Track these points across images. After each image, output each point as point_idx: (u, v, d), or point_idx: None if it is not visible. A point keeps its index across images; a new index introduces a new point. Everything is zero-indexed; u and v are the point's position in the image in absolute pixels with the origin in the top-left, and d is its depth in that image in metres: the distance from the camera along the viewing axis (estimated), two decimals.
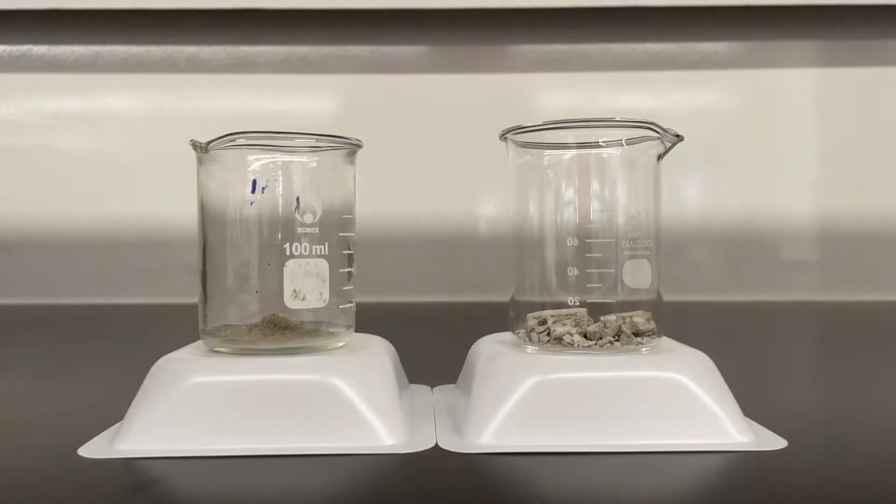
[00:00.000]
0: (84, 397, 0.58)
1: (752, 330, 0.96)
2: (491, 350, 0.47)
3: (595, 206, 0.46)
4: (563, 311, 0.46)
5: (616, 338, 0.45)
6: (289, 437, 0.41)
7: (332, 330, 0.47)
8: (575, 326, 0.45)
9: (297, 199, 0.45)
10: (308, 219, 0.45)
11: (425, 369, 0.57)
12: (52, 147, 1.18)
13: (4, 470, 0.40)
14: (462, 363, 0.51)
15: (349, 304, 0.47)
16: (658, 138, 0.45)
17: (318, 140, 0.46)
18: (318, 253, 0.45)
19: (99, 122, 1.20)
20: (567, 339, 0.44)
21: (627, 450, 0.40)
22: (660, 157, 0.47)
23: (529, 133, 0.47)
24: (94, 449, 0.41)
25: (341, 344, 0.47)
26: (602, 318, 0.45)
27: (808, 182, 1.23)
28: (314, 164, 0.46)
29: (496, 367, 0.44)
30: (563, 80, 1.23)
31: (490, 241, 1.21)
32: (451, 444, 0.42)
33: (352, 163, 0.49)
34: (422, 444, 0.42)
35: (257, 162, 0.45)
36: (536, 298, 0.47)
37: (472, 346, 0.51)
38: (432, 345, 0.81)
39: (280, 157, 0.45)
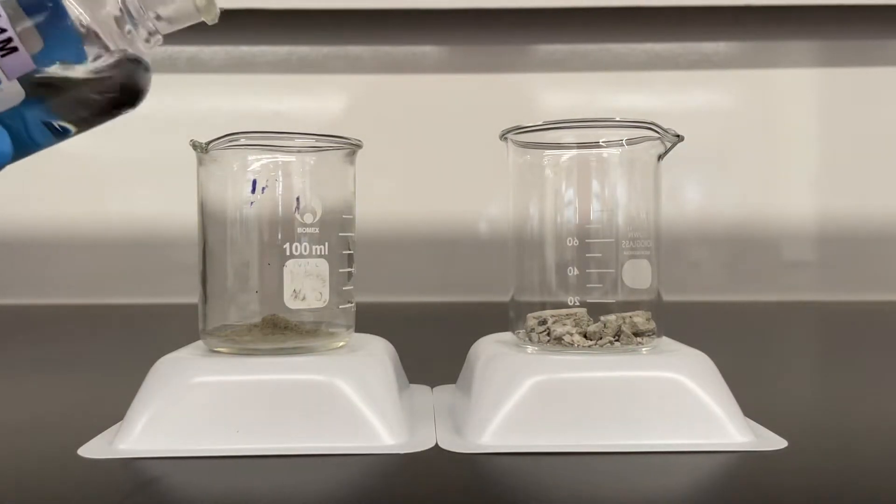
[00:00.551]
0: (84, 397, 0.58)
1: (752, 330, 0.96)
2: (491, 350, 0.47)
3: (595, 206, 0.46)
4: (563, 311, 0.46)
5: (616, 338, 0.45)
6: (289, 437, 0.41)
7: (332, 330, 0.47)
8: (575, 326, 0.45)
9: (297, 199, 0.45)
10: (308, 219, 0.45)
11: (425, 369, 0.57)
12: (52, 147, 1.18)
13: (4, 470, 0.40)
14: (462, 363, 0.51)
15: (349, 304, 0.47)
16: (658, 138, 0.45)
17: (318, 140, 0.46)
18: (318, 253, 0.45)
19: None
20: (567, 339, 0.44)
21: (627, 450, 0.40)
22: (660, 157, 0.47)
23: (529, 133, 0.47)
24: (94, 449, 0.41)
25: (341, 344, 0.47)
26: (602, 318, 0.45)
27: (808, 182, 1.23)
28: (314, 164, 0.46)
29: (496, 367, 0.44)
30: (564, 80, 1.23)
31: (490, 241, 1.21)
32: (451, 444, 0.42)
33: (352, 163, 0.49)
34: (422, 444, 0.42)
35: (257, 162, 0.45)
36: (536, 298, 0.47)
37: (472, 346, 0.51)
38: (432, 345, 0.81)
39: (280, 157, 0.45)
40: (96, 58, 0.35)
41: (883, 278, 1.21)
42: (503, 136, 0.48)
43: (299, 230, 0.45)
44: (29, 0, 0.33)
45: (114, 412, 0.45)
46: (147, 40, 0.38)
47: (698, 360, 0.45)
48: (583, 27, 1.21)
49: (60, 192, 1.21)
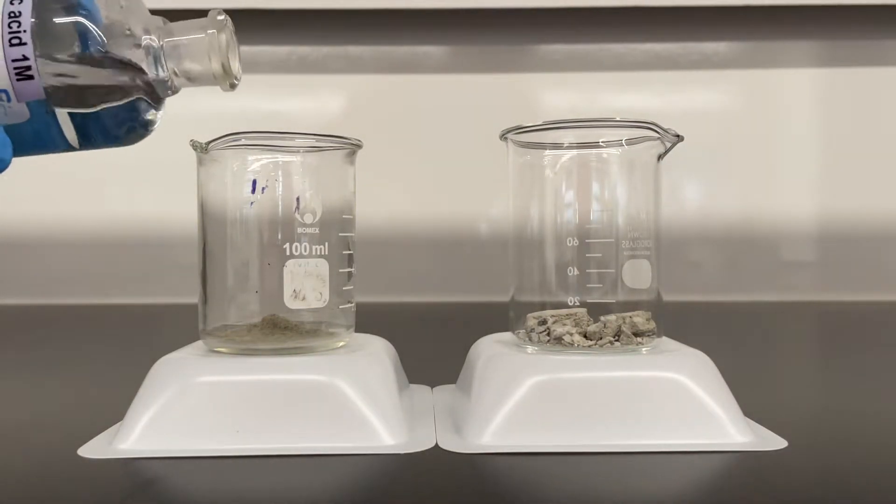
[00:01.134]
0: (84, 397, 0.58)
1: (752, 330, 0.96)
2: (491, 350, 0.47)
3: (595, 206, 0.46)
4: (563, 311, 0.46)
5: (616, 338, 0.45)
6: (289, 437, 0.41)
7: (332, 330, 0.47)
8: (575, 326, 0.45)
9: (297, 199, 0.45)
10: (308, 219, 0.45)
11: (425, 369, 0.57)
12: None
13: (4, 470, 0.40)
14: (462, 363, 0.51)
15: (349, 304, 0.47)
16: (658, 138, 0.45)
17: (318, 140, 0.46)
18: (318, 253, 0.45)
19: None
20: (567, 339, 0.44)
21: (627, 450, 0.40)
22: (660, 157, 0.47)
23: (529, 133, 0.47)
24: (94, 449, 0.41)
25: (341, 344, 0.47)
26: (602, 318, 0.45)
27: (808, 182, 1.22)
28: (314, 164, 0.46)
29: (496, 367, 0.44)
30: (564, 80, 1.23)
31: (490, 241, 1.21)
32: (451, 444, 0.42)
33: (352, 163, 0.49)
34: (422, 444, 0.42)
35: (257, 162, 0.45)
36: (536, 298, 0.47)
37: (472, 346, 0.51)
38: (432, 345, 0.81)
39: (280, 158, 0.45)
40: (109, 94, 0.37)
41: (883, 278, 1.21)
42: (503, 136, 0.48)
43: (299, 230, 0.45)
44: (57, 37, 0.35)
45: (114, 412, 0.45)
46: (164, 87, 0.39)
47: (698, 360, 0.45)
48: (583, 27, 1.21)
49: (60, 191, 1.21)
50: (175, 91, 0.40)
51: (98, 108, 0.37)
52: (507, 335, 0.50)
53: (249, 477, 0.37)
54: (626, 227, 0.46)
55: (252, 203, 0.45)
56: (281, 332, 0.45)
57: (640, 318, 0.45)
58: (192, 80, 0.39)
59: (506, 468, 0.39)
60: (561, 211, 0.46)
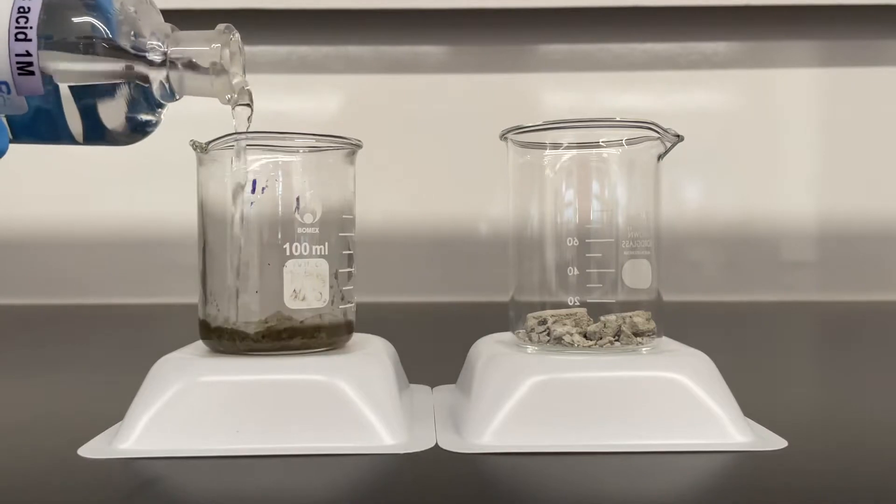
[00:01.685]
0: (84, 397, 0.58)
1: (752, 330, 0.96)
2: (491, 350, 0.47)
3: (595, 206, 0.46)
4: (563, 311, 0.46)
5: (616, 338, 0.45)
6: (289, 437, 0.41)
7: (332, 330, 0.47)
8: (575, 326, 0.45)
9: (297, 199, 0.45)
10: (308, 219, 0.45)
11: (425, 369, 0.57)
12: (52, 147, 1.18)
13: (4, 470, 0.40)
14: (462, 363, 0.51)
15: (349, 304, 0.47)
16: (658, 138, 0.45)
17: (318, 140, 0.46)
18: (318, 253, 0.45)
19: None
20: (567, 339, 0.44)
21: (627, 450, 0.40)
22: (660, 157, 0.47)
23: (529, 133, 0.47)
24: (94, 449, 0.41)
25: (341, 344, 0.47)
26: (602, 318, 0.45)
27: (808, 182, 1.22)
28: (314, 164, 0.46)
29: (496, 367, 0.44)
30: (564, 80, 1.23)
31: (490, 241, 1.21)
32: (451, 444, 0.42)
33: (352, 163, 0.49)
34: (422, 444, 0.42)
35: (257, 162, 0.45)
36: (536, 298, 0.47)
37: (472, 346, 0.51)
38: (432, 345, 0.81)
39: (280, 157, 0.45)
40: (111, 95, 0.37)
41: (883, 278, 1.21)
42: (503, 136, 0.48)
43: (299, 230, 0.45)
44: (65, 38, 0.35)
45: (114, 412, 0.45)
46: (165, 93, 0.40)
47: (698, 360, 0.45)
48: (583, 27, 1.21)
49: (60, 191, 1.21)
50: (175, 98, 0.40)
51: (98, 108, 0.37)
52: (507, 335, 0.50)
53: (249, 477, 0.37)
54: (626, 226, 0.46)
55: (252, 203, 0.45)
56: (281, 332, 0.45)
57: (640, 318, 0.45)
58: (192, 90, 0.40)
59: (506, 468, 0.39)
60: (561, 211, 0.46)
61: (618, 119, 0.46)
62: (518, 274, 0.49)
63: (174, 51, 0.39)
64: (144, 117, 0.40)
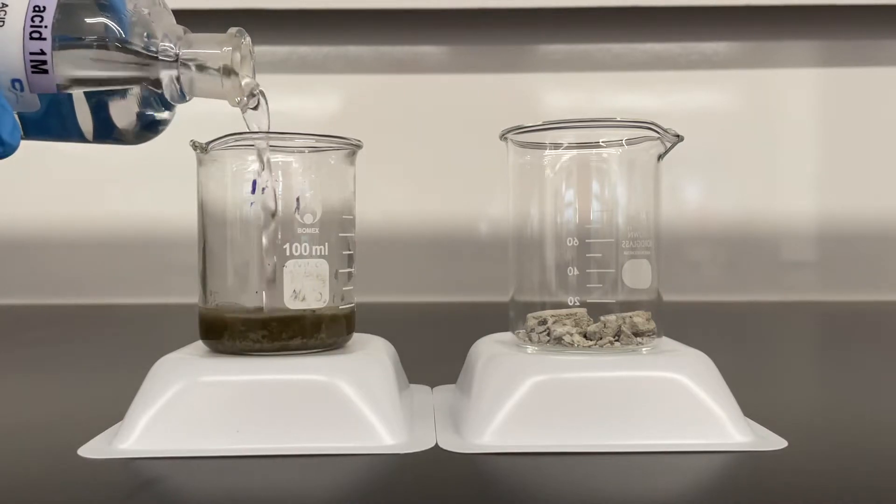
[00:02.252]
0: (84, 397, 0.58)
1: (752, 330, 0.96)
2: (491, 350, 0.47)
3: (595, 206, 0.46)
4: (563, 311, 0.46)
5: (616, 338, 0.45)
6: (289, 437, 0.41)
7: (332, 330, 0.47)
8: (575, 326, 0.45)
9: (297, 199, 0.45)
10: (308, 219, 0.45)
11: (425, 369, 0.57)
12: (52, 147, 1.18)
13: (4, 470, 0.40)
14: (462, 363, 0.51)
15: (349, 305, 0.47)
16: (658, 138, 0.45)
17: (318, 140, 0.46)
18: (318, 253, 0.45)
19: None
20: (567, 339, 0.44)
21: (627, 450, 0.40)
22: (660, 157, 0.47)
23: (529, 133, 0.47)
24: (94, 449, 0.41)
25: (342, 344, 0.47)
26: (602, 318, 0.45)
27: (808, 182, 1.22)
28: (314, 165, 0.46)
29: (496, 367, 0.44)
30: (564, 80, 1.23)
31: (490, 241, 1.21)
32: (451, 444, 0.42)
33: (352, 163, 0.49)
34: (422, 444, 0.42)
35: (257, 162, 0.45)
36: (536, 298, 0.47)
37: (472, 346, 0.51)
38: (432, 345, 0.81)
39: (280, 158, 0.45)
40: (122, 94, 0.38)
41: (883, 278, 1.21)
42: (503, 136, 0.48)
43: (299, 230, 0.45)
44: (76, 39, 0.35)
45: (114, 412, 0.45)
46: (175, 93, 0.40)
47: (698, 360, 0.45)
48: (583, 27, 1.21)
49: (60, 192, 1.21)
50: (186, 99, 0.40)
51: (109, 107, 0.38)
52: (507, 335, 0.50)
53: (249, 477, 0.37)
54: (626, 226, 0.46)
55: (252, 203, 0.45)
56: (281, 332, 0.45)
57: (640, 318, 0.45)
58: (203, 92, 0.40)
59: (506, 468, 0.39)
60: (561, 211, 0.46)
61: (618, 119, 0.46)
62: (518, 274, 0.49)
63: (186, 53, 0.39)
64: (155, 117, 0.40)
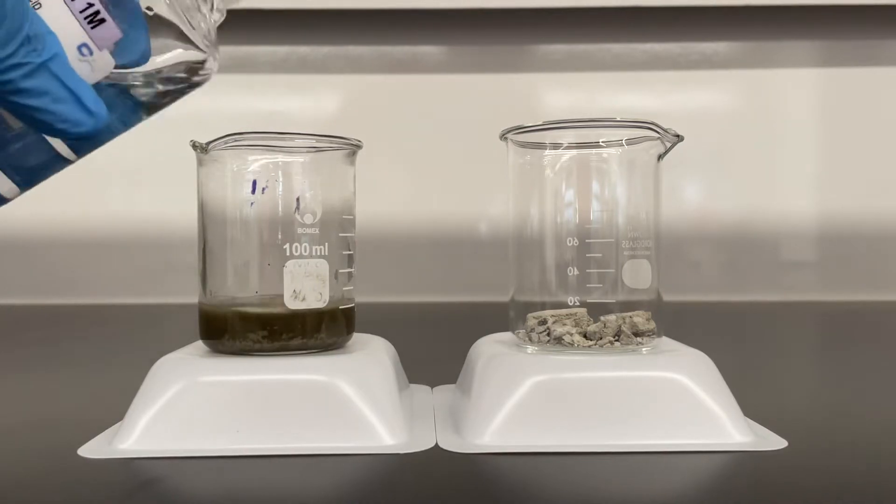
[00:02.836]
0: (84, 397, 0.58)
1: (752, 330, 0.96)
2: (491, 350, 0.47)
3: (595, 206, 0.46)
4: (563, 311, 0.46)
5: (616, 338, 0.45)
6: (289, 437, 0.41)
7: (332, 330, 0.47)
8: (575, 326, 0.45)
9: (297, 199, 0.45)
10: (308, 219, 0.45)
11: (425, 369, 0.57)
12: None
13: (4, 470, 0.40)
14: (462, 363, 0.51)
15: (349, 305, 0.47)
16: (658, 138, 0.45)
17: (318, 140, 0.46)
18: (318, 253, 0.45)
19: None
20: (567, 339, 0.44)
21: (627, 450, 0.40)
22: (660, 157, 0.47)
23: (529, 133, 0.47)
24: (94, 449, 0.41)
25: (342, 344, 0.47)
26: (602, 318, 0.45)
27: (808, 182, 1.22)
28: (314, 165, 0.46)
29: (496, 367, 0.44)
30: (564, 80, 1.23)
31: (490, 241, 1.21)
32: (451, 444, 0.42)
33: (352, 163, 0.49)
34: (422, 444, 0.42)
35: (257, 162, 0.45)
36: (536, 298, 0.47)
37: (472, 346, 0.51)
38: (432, 345, 0.81)
39: (280, 158, 0.45)
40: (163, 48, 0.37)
41: (883, 278, 1.21)
42: (503, 136, 0.48)
43: (299, 230, 0.45)
44: None
45: (114, 412, 0.45)
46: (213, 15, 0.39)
47: (698, 360, 0.45)
48: (583, 27, 1.21)
49: (61, 192, 1.20)
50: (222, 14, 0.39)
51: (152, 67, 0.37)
52: (507, 335, 0.50)
53: (249, 477, 0.37)
54: (626, 226, 0.46)
55: (252, 203, 0.45)
56: (281, 332, 0.45)
57: (640, 318, 0.45)
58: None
59: (506, 468, 0.39)
60: (561, 211, 0.46)
61: (618, 119, 0.46)
62: (518, 274, 0.49)
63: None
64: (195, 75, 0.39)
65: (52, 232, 1.20)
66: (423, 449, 0.41)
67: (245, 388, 0.42)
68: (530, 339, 0.46)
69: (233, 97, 1.21)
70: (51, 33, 0.32)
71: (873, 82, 1.22)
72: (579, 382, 0.42)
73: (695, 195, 1.23)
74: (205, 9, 0.38)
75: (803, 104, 1.24)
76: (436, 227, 1.21)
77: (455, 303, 1.17)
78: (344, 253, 0.47)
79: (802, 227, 1.22)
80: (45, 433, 0.46)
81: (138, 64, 0.37)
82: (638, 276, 0.46)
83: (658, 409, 0.42)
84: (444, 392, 0.53)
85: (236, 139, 0.43)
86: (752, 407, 0.46)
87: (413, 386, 0.54)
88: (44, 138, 0.36)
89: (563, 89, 1.24)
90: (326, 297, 0.45)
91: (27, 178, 0.37)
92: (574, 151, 0.47)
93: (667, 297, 0.47)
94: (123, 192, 1.22)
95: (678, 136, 0.45)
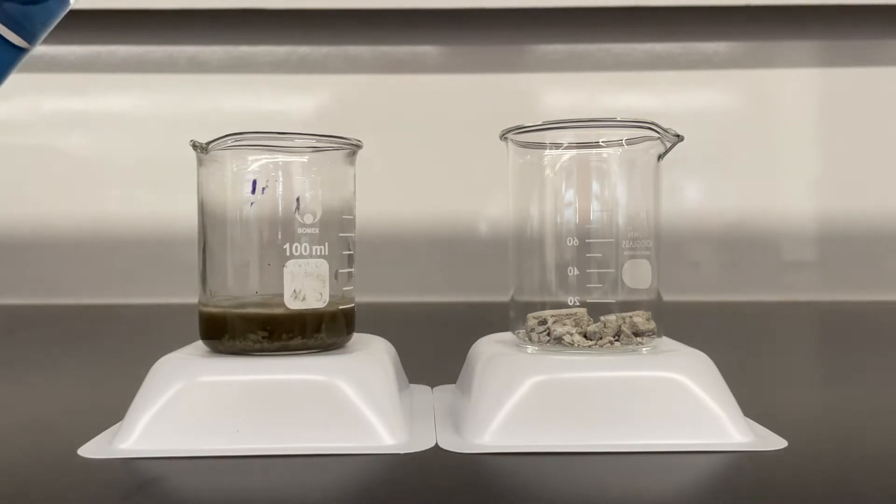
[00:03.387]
0: (84, 397, 0.58)
1: (752, 330, 0.96)
2: (491, 350, 0.47)
3: (595, 205, 0.46)
4: (563, 311, 0.46)
5: (616, 338, 0.45)
6: (289, 437, 0.41)
7: (332, 330, 0.47)
8: (575, 326, 0.45)
9: (297, 199, 0.45)
10: (308, 219, 0.45)
11: (425, 369, 0.57)
12: (52, 147, 1.18)
13: (4, 470, 0.40)
14: (462, 363, 0.51)
15: (349, 305, 0.47)
16: (658, 138, 0.45)
17: (318, 140, 0.46)
18: (318, 253, 0.45)
19: (99, 122, 1.19)
20: (567, 339, 0.44)
21: (627, 450, 0.40)
22: (660, 157, 0.47)
23: (530, 133, 0.47)
24: (94, 449, 0.41)
25: (342, 344, 0.47)
26: (602, 318, 0.45)
27: (808, 182, 1.22)
28: (314, 165, 0.46)
29: (496, 367, 0.44)
30: (564, 80, 1.23)
31: (490, 241, 1.21)
32: (451, 444, 0.42)
33: (352, 163, 0.49)
34: (422, 444, 0.42)
35: (257, 162, 0.45)
36: (536, 298, 0.47)
37: (472, 346, 0.51)
38: (432, 345, 0.81)
39: (280, 158, 0.45)
40: None
41: (883, 278, 1.21)
42: (503, 136, 0.48)
43: (299, 230, 0.45)
44: None
45: (114, 412, 0.45)
46: None
47: (698, 360, 0.45)
48: (583, 27, 1.21)
49: (61, 192, 1.21)
50: None
51: None
52: (507, 335, 0.50)
53: (249, 477, 0.37)
54: (626, 226, 0.46)
55: (252, 203, 0.45)
56: (281, 332, 0.45)
57: (640, 318, 0.45)
58: None
59: (506, 468, 0.39)
60: (561, 211, 0.46)
61: (618, 119, 0.46)
62: (518, 274, 0.49)
63: None
64: None
65: (52, 232, 1.20)
66: (423, 449, 0.41)
67: (245, 388, 0.42)
68: (530, 339, 0.46)
69: (233, 97, 1.21)
70: None
71: (873, 82, 1.22)
72: (579, 382, 0.42)
73: (695, 195, 1.23)
74: None
75: (803, 104, 1.24)
76: (436, 228, 1.21)
77: (455, 303, 1.17)
78: (344, 253, 0.47)
79: (802, 227, 1.22)
80: (45, 433, 0.46)
81: None
82: (638, 276, 0.46)
83: (658, 409, 0.42)
84: (444, 392, 0.53)
85: (236, 139, 0.43)
86: (752, 407, 0.46)
87: (413, 386, 0.54)
88: None
89: (562, 89, 1.24)
90: (326, 297, 0.45)
91: None
92: (574, 151, 0.47)
93: (667, 297, 0.47)
94: (123, 192, 1.22)
95: (678, 135, 0.45)
